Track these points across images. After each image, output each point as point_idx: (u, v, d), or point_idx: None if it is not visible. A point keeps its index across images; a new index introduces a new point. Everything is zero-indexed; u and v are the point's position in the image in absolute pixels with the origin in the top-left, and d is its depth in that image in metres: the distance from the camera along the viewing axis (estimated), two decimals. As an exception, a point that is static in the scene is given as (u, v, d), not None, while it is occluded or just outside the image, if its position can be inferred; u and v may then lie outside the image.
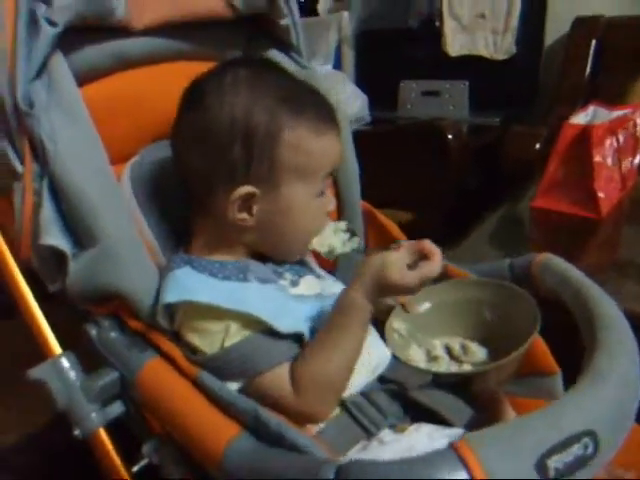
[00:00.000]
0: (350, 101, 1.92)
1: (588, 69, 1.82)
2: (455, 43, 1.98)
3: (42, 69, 0.53)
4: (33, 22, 0.51)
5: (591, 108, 1.24)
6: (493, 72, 1.95)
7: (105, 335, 0.55)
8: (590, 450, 0.38)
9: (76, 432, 0.52)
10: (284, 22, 0.73)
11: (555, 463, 0.37)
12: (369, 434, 0.54)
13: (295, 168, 0.56)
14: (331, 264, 0.79)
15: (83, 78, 0.59)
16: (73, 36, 0.56)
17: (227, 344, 0.51)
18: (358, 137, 1.98)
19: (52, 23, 0.51)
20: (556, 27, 1.88)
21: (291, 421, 0.49)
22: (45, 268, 0.54)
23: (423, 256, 0.54)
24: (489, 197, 1.45)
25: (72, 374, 0.53)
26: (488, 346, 0.67)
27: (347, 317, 0.53)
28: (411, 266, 0.54)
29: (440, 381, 0.62)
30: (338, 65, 2.17)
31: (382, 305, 0.70)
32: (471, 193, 1.77)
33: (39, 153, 0.51)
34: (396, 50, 2.07)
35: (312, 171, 0.57)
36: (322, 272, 0.69)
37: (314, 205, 0.58)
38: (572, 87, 1.83)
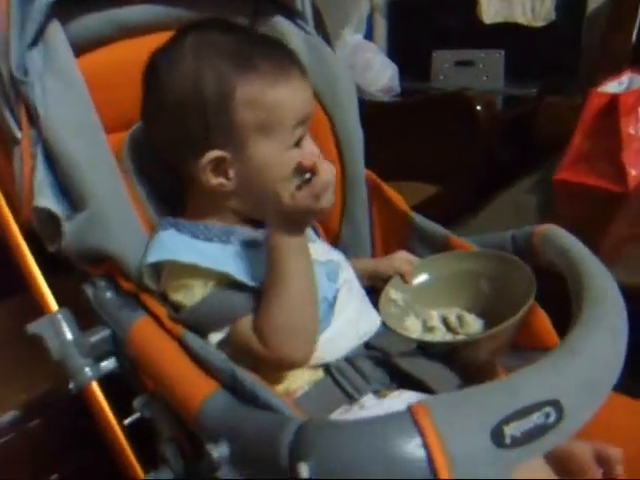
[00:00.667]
0: (379, 71, 1.88)
1: (634, 36, 1.71)
2: (490, 10, 1.89)
3: (38, 38, 0.54)
4: (27, -9, 0.52)
5: (627, 75, 1.17)
6: (530, 40, 1.86)
7: (100, 295, 0.57)
8: (552, 419, 0.38)
9: (70, 385, 0.55)
10: (287, -14, 0.72)
11: (512, 430, 0.37)
12: (351, 399, 0.55)
13: (256, 125, 0.55)
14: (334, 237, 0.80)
15: (82, 47, 0.60)
16: (71, 5, 0.58)
17: (203, 296, 0.53)
18: (385, 108, 1.94)
19: (45, -9, 0.53)
20: (601, -10, 1.77)
21: (270, 372, 0.52)
22: (44, 229, 0.57)
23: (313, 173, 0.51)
24: (522, 170, 1.41)
25: (67, 329, 0.56)
26: (485, 318, 0.66)
27: (274, 259, 0.52)
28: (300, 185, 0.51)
29: (432, 350, 0.61)
30: (370, 35, 2.13)
31: (381, 274, 0.71)
32: (503, 165, 1.73)
33: (34, 119, 0.53)
34: (429, 19, 2.00)
35: (276, 123, 0.55)
36: (318, 239, 0.69)
37: (289, 157, 0.56)
38: (616, 55, 1.73)
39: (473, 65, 1.98)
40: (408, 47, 2.06)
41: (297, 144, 0.58)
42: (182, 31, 0.58)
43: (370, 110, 1.78)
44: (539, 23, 1.84)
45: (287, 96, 0.56)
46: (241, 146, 0.55)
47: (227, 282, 0.53)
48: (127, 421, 0.57)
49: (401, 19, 2.11)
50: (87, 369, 0.55)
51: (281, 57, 0.57)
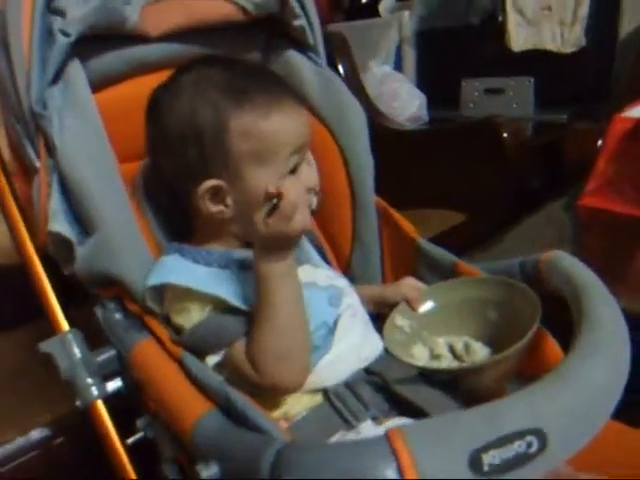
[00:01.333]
0: (407, 101, 1.90)
1: (669, 60, 1.68)
2: (519, 38, 1.90)
3: (58, 75, 0.59)
4: (48, 33, 0.57)
5: (654, 100, 1.15)
6: (560, 66, 1.85)
7: (109, 316, 0.60)
8: (534, 449, 0.37)
9: (77, 403, 0.57)
10: (298, 23, 0.75)
11: (491, 458, 0.36)
12: (348, 425, 0.55)
13: (251, 154, 0.57)
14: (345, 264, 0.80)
15: (100, 83, 0.65)
16: (90, 44, 0.62)
17: (200, 320, 0.55)
18: (412, 137, 1.95)
19: (65, 34, 0.57)
20: (633, 14, 1.75)
21: (268, 396, 0.52)
22: (59, 253, 0.60)
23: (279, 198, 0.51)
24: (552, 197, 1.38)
25: (76, 349, 0.58)
26: (492, 346, 0.65)
27: (261, 287, 0.53)
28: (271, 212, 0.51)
29: (436, 378, 0.61)
30: (399, 65, 2.16)
31: (388, 301, 0.71)
32: (534, 192, 1.70)
33: (51, 150, 0.57)
34: (457, 48, 2.02)
35: (270, 153, 0.57)
36: (323, 264, 0.70)
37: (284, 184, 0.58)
38: (648, 80, 1.69)
39: (503, 93, 1.97)
40: (437, 76, 2.08)
41: (293, 171, 0.59)
42: (182, 68, 0.61)
43: (397, 139, 1.81)
44: (568, 49, 1.83)
45: (281, 125, 0.57)
46: (236, 175, 0.57)
47: (223, 306, 0.55)
48: (130, 440, 0.58)
49: (430, 49, 2.14)
50: (93, 388, 0.57)
51: (275, 88, 0.59)
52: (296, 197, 0.51)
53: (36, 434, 0.87)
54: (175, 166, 0.59)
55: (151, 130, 0.61)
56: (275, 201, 0.50)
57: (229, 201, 0.58)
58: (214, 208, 0.58)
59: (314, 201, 0.63)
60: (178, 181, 0.60)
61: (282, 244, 0.52)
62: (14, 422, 0.85)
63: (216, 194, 0.58)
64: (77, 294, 0.63)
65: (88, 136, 0.59)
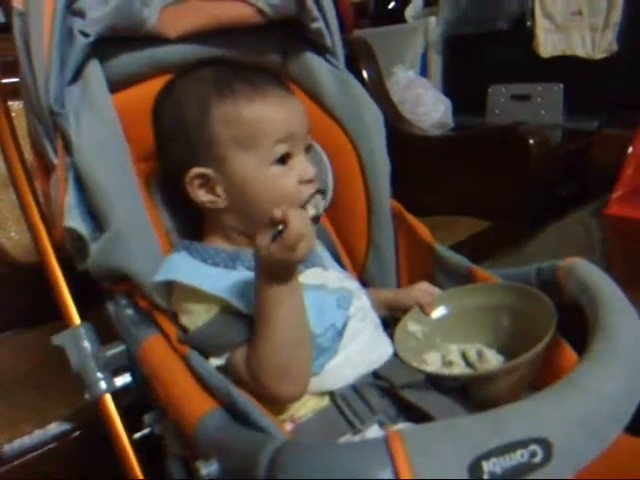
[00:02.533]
0: (431, 106, 1.88)
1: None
2: (548, 43, 1.86)
3: (77, 75, 0.60)
4: (68, 33, 0.58)
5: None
6: (590, 73, 1.81)
7: (120, 311, 0.60)
8: (538, 459, 0.36)
9: (86, 396, 0.58)
10: (315, 25, 0.75)
11: (492, 466, 0.35)
12: (355, 429, 0.54)
13: (232, 141, 0.58)
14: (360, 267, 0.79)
15: (119, 84, 0.66)
16: (110, 45, 0.64)
17: (205, 322, 0.54)
18: (437, 142, 1.93)
19: (85, 34, 0.58)
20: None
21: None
22: (74, 249, 0.61)
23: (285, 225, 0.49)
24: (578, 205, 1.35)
25: (87, 343, 0.59)
26: (506, 354, 0.63)
27: (259, 304, 0.52)
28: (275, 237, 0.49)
29: (446, 385, 0.59)
30: (425, 71, 2.14)
31: (400, 305, 0.70)
32: (563, 201, 1.66)
33: (68, 147, 0.58)
34: (484, 53, 2.00)
35: (252, 139, 0.57)
36: (335, 266, 0.69)
37: (270, 173, 0.58)
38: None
39: (530, 99, 1.94)
40: (464, 82, 2.06)
41: (281, 161, 0.59)
42: (181, 71, 0.64)
43: (421, 145, 1.79)
44: (599, 55, 1.79)
45: (263, 113, 0.58)
46: (221, 162, 0.58)
47: (228, 309, 0.55)
48: (137, 435, 0.59)
49: (456, 55, 2.12)
50: (102, 382, 0.58)
51: (260, 81, 0.60)
52: (301, 227, 0.48)
53: (54, 427, 0.88)
54: (169, 162, 0.62)
55: (153, 128, 0.64)
56: (281, 227, 0.49)
57: (219, 190, 0.59)
58: (205, 197, 0.60)
59: (320, 201, 0.63)
60: (173, 176, 0.62)
61: (283, 270, 0.51)
62: (33, 415, 0.87)
63: (205, 183, 0.59)
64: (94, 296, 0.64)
65: (104, 135, 0.60)
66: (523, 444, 0.35)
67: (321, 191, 0.64)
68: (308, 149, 0.64)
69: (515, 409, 0.38)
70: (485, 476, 0.35)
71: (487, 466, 0.35)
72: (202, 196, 0.60)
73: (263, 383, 0.51)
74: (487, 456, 0.35)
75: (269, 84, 0.60)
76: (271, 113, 0.58)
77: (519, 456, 0.35)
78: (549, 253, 1.07)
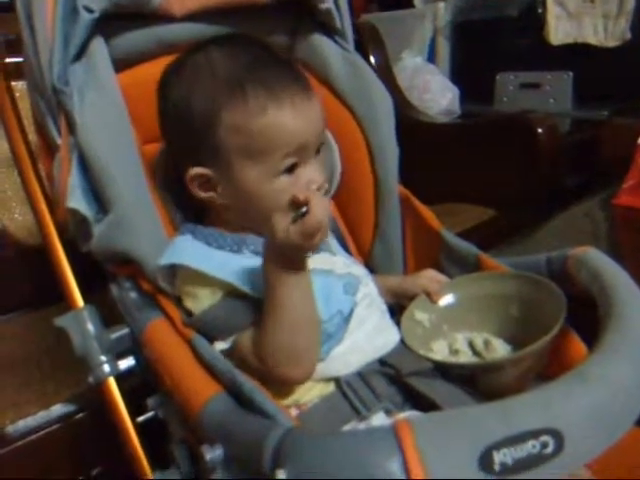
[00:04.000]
0: (439, 93, 1.86)
1: None
2: (559, 31, 1.83)
3: (82, 52, 0.59)
4: (72, 9, 0.57)
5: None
6: (602, 61, 1.78)
7: (124, 294, 0.60)
8: (550, 450, 0.35)
9: (89, 379, 0.57)
10: (324, 6, 0.73)
11: (503, 457, 0.34)
12: (359, 415, 0.54)
13: (240, 149, 0.55)
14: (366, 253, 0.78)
15: (124, 62, 0.65)
16: (115, 22, 0.62)
17: (210, 305, 0.54)
18: (443, 130, 1.91)
19: (89, 10, 0.57)
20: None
21: (279, 384, 0.51)
22: (78, 231, 0.60)
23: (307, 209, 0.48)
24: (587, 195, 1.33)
25: (90, 325, 0.59)
26: (514, 343, 0.63)
27: (268, 289, 0.51)
28: (295, 219, 0.48)
29: (453, 374, 0.59)
30: (432, 57, 2.12)
31: (407, 292, 0.69)
32: (571, 191, 1.64)
33: (72, 127, 0.57)
34: (493, 40, 1.97)
35: (260, 151, 0.54)
36: (342, 252, 0.69)
37: (274, 185, 0.56)
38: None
39: (539, 87, 1.91)
40: (472, 69, 2.03)
41: (289, 170, 0.56)
42: (192, 48, 0.60)
43: (428, 132, 1.77)
44: (612, 43, 1.76)
45: (276, 125, 0.54)
46: (226, 167, 0.56)
47: (233, 292, 0.54)
48: (140, 419, 0.58)
49: (465, 41, 2.08)
50: (106, 365, 0.58)
51: (278, 83, 0.55)
52: (323, 215, 0.47)
53: (58, 409, 0.88)
54: (173, 147, 0.60)
55: (158, 109, 0.61)
56: (304, 210, 0.47)
57: (220, 190, 0.57)
58: (204, 194, 0.58)
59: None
60: (176, 162, 0.60)
61: (296, 255, 0.50)
62: (37, 397, 0.87)
63: (206, 182, 0.57)
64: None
65: (108, 114, 0.59)
66: (535, 435, 0.35)
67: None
68: (320, 148, 0.60)
69: (526, 399, 0.37)
70: (496, 467, 0.34)
71: (498, 457, 0.34)
72: (201, 193, 0.58)
73: (270, 365, 0.51)
74: (498, 446, 0.34)
75: (285, 85, 0.55)
76: (284, 125, 0.54)
77: (530, 447, 0.35)
78: (556, 243, 1.06)
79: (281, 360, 0.51)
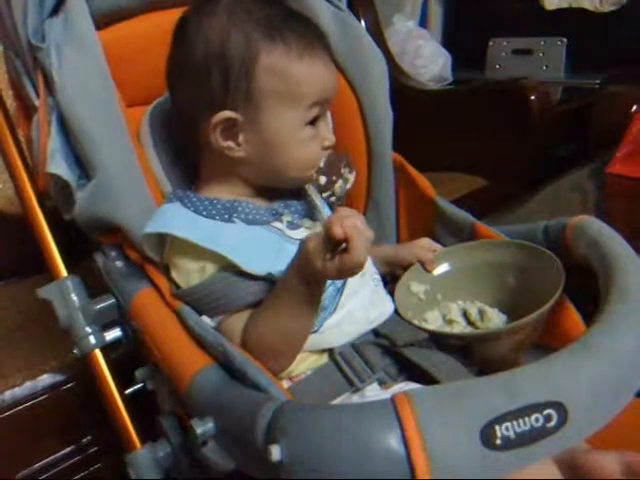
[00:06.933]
0: (431, 59, 1.82)
1: None
2: (554, -5, 1.79)
3: (59, 7, 0.55)
4: (47, -41, 0.52)
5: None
6: (596, 27, 1.75)
7: (109, 264, 0.58)
8: (553, 423, 0.34)
9: (75, 351, 0.56)
10: (316, -39, 0.69)
11: (505, 431, 0.33)
12: (353, 387, 0.53)
13: (274, 93, 0.54)
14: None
15: (104, 19, 0.61)
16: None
17: (199, 281, 0.52)
18: (434, 97, 1.88)
19: (65, -40, 0.53)
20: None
21: None
22: (59, 197, 0.57)
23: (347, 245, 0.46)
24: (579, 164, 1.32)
25: (74, 296, 0.57)
26: (509, 313, 0.62)
27: (284, 292, 0.50)
28: (334, 253, 0.46)
29: (448, 344, 0.58)
30: (424, 21, 2.06)
31: (401, 261, 0.67)
32: (562, 160, 1.63)
33: (50, 86, 0.54)
34: (486, 5, 1.92)
35: (293, 97, 0.55)
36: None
37: (301, 134, 0.56)
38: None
39: (532, 54, 1.88)
40: (464, 35, 1.99)
41: (312, 123, 0.57)
42: None
43: (419, 99, 1.73)
44: (607, 8, 1.72)
45: (309, 74, 0.55)
46: (255, 112, 0.55)
47: (224, 269, 0.52)
48: (128, 391, 0.57)
49: (457, 5, 2.04)
50: (91, 337, 0.56)
51: (311, 37, 0.57)
52: (364, 256, 0.44)
53: (45, 379, 0.87)
54: (194, 91, 0.56)
55: (175, 51, 0.58)
56: (344, 246, 0.44)
57: (241, 138, 0.56)
58: (224, 143, 0.56)
59: (349, 174, 0.61)
60: (193, 109, 0.56)
61: (323, 280, 0.48)
62: (24, 367, 0.86)
63: (229, 128, 0.55)
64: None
65: (89, 72, 0.55)
66: (538, 408, 0.34)
67: (349, 165, 0.61)
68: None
69: (529, 372, 0.36)
70: (498, 441, 0.33)
71: (500, 431, 0.33)
72: (221, 141, 0.56)
73: (255, 354, 0.49)
74: (500, 420, 0.33)
75: (315, 40, 0.57)
76: (317, 74, 0.56)
77: (534, 420, 0.34)
78: (548, 211, 1.05)
79: (263, 355, 0.49)
